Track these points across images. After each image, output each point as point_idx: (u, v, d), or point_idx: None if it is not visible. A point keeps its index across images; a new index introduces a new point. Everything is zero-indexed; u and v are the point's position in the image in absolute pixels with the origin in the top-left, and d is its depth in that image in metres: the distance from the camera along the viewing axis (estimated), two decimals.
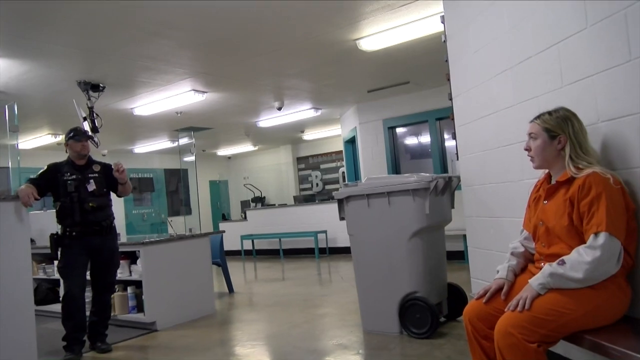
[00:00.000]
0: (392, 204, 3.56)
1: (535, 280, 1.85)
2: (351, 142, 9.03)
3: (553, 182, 2.02)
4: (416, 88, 7.15)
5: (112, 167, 3.92)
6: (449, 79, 3.39)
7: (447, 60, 3.41)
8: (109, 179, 3.93)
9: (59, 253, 3.79)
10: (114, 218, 3.96)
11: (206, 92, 6.29)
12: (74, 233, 3.71)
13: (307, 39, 4.69)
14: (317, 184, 12.51)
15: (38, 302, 5.65)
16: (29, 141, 8.46)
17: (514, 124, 2.62)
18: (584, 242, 1.81)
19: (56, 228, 3.86)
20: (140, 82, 5.65)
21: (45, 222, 5.43)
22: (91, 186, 3.79)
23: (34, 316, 3.55)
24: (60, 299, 3.88)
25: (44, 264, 5.59)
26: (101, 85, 5.41)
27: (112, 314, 4.60)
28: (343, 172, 10.40)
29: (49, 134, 8.02)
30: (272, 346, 3.78)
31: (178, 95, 6.29)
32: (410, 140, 8.52)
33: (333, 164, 12.21)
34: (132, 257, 4.66)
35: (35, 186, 3.63)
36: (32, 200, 3.49)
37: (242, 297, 5.90)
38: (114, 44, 4.43)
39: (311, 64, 5.56)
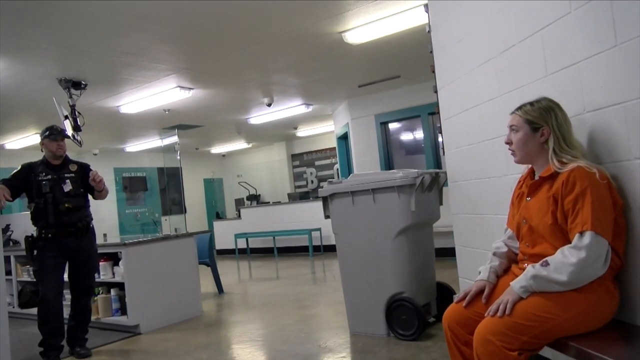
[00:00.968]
0: (377, 202, 3.43)
1: (517, 283, 1.73)
2: (344, 138, 8.90)
3: (537, 177, 1.89)
4: (407, 82, 7.01)
5: (90, 170, 3.78)
6: (433, 71, 3.26)
7: (431, 52, 3.27)
8: (86, 179, 3.80)
9: (34, 256, 3.66)
10: (91, 219, 3.82)
11: (192, 89, 6.15)
12: (49, 235, 3.59)
13: (289, 32, 4.55)
14: (312, 181, 12.38)
15: (22, 305, 5.55)
16: (16, 141, 8.33)
17: (498, 116, 2.49)
18: (570, 242, 1.69)
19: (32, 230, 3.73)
20: (122, 79, 5.52)
21: (29, 223, 5.31)
22: (67, 186, 3.66)
23: (7, 321, 3.41)
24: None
25: (28, 266, 5.46)
26: (83, 82, 5.27)
27: (95, 317, 4.50)
28: (338, 169, 10.28)
29: (36, 133, 7.86)
30: (254, 350, 3.65)
31: (164, 93, 6.16)
32: (406, 136, 8.39)
33: (328, 161, 12.08)
34: (115, 259, 4.53)
35: (8, 187, 3.51)
36: (3, 202, 3.36)
37: (231, 298, 5.78)
38: (90, 39, 4.29)
39: (296, 58, 5.42)
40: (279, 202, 10.87)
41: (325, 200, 3.74)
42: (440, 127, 3.28)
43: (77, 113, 5.22)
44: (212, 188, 13.80)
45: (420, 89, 7.02)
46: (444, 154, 3.30)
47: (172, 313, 4.61)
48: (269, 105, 7.38)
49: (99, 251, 4.32)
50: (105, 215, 10.28)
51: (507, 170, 2.49)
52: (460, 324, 1.90)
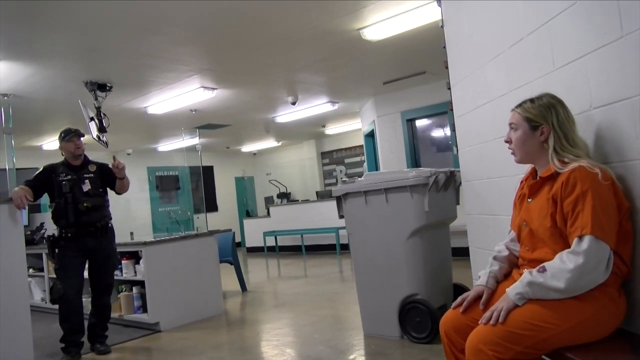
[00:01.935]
0: (390, 202, 3.36)
1: (513, 290, 1.64)
2: (371, 136, 8.80)
3: (538, 178, 1.79)
4: (434, 78, 6.85)
5: (110, 165, 3.86)
6: (447, 67, 3.16)
7: (444, 47, 3.17)
8: (106, 178, 3.88)
9: (55, 254, 3.77)
10: (110, 218, 3.90)
11: (216, 89, 6.20)
12: (69, 234, 3.68)
13: (307, 30, 4.51)
14: (342, 179, 12.32)
15: (53, 301, 5.74)
16: (52, 142, 8.62)
17: (508, 113, 2.37)
18: (569, 247, 1.59)
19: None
20: (146, 81, 5.62)
21: None
22: (86, 186, 3.75)
23: (29, 317, 3.55)
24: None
25: None
26: (108, 84, 5.39)
27: (118, 314, 4.61)
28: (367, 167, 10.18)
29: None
30: (265, 351, 3.65)
31: (188, 93, 6.24)
32: (437, 133, 8.22)
33: (357, 158, 11.99)
34: (137, 257, 4.62)
35: (30, 187, 3.63)
36: (25, 203, 3.47)
37: (253, 297, 5.80)
38: (111, 42, 4.37)
39: (317, 56, 5.38)
40: (308, 200, 10.87)
41: (339, 200, 3.69)
42: (454, 124, 3.17)
43: (102, 115, 5.34)
44: (243, 186, 13.94)
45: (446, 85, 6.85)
46: (457, 152, 3.19)
47: (193, 311, 4.67)
48: (294, 103, 7.36)
49: (120, 250, 4.42)
50: (137, 214, 10.55)
51: (519, 169, 2.37)
52: (457, 331, 1.82)
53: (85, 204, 3.70)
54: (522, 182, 1.92)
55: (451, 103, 3.18)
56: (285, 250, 10.29)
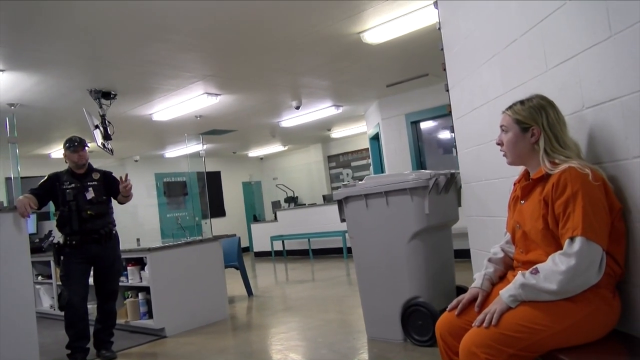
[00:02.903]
0: (391, 204, 3.36)
1: (506, 292, 1.63)
2: (376, 139, 8.80)
3: (530, 179, 1.78)
4: (437, 80, 6.83)
5: (114, 176, 3.91)
6: (444, 69, 3.16)
7: (442, 49, 3.17)
8: (109, 186, 3.92)
9: (60, 261, 3.81)
10: (114, 225, 3.94)
11: (219, 95, 6.24)
12: (73, 242, 3.72)
13: (308, 34, 4.52)
14: (350, 182, 12.30)
15: (61, 308, 5.77)
16: (61, 150, 8.70)
17: None
18: (562, 248, 1.58)
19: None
20: (150, 88, 5.66)
21: None
22: (89, 194, 3.79)
23: (35, 324, 3.58)
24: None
25: None
26: (112, 92, 5.45)
27: (125, 320, 4.64)
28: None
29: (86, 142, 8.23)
30: (269, 355, 3.65)
31: (192, 99, 6.28)
32: (443, 134, 8.19)
33: (364, 161, 11.97)
34: (142, 263, 4.65)
35: (34, 196, 3.67)
36: (29, 211, 3.51)
37: (259, 301, 5.81)
38: (113, 50, 4.42)
39: (319, 60, 5.39)
40: (315, 204, 10.87)
41: (340, 203, 3.70)
42: (452, 126, 3.17)
43: (107, 122, 5.39)
44: (251, 191, 13.97)
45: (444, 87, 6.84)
46: (456, 154, 3.19)
47: (198, 316, 4.69)
48: (298, 108, 7.39)
49: (125, 256, 4.46)
50: (145, 220, 10.62)
51: (515, 170, 2.36)
52: (452, 334, 1.81)
53: (88, 212, 3.74)
54: (515, 184, 1.91)
55: (449, 105, 3.18)
56: (292, 254, 10.30)
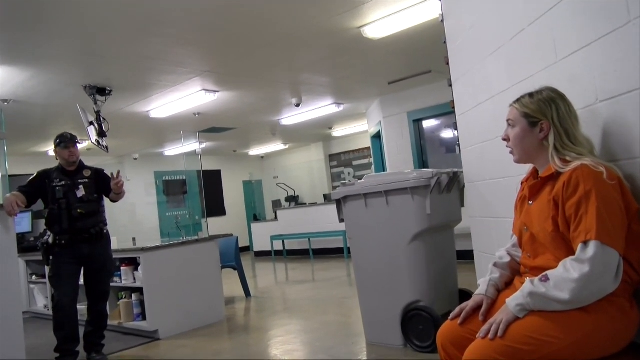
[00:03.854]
0: (391, 204, 3.23)
1: (513, 301, 1.50)
2: (377, 137, 8.66)
3: (538, 178, 1.65)
4: (440, 77, 6.66)
5: (106, 173, 3.79)
6: (447, 63, 3.03)
7: (445, 42, 3.04)
8: (101, 184, 3.80)
9: (49, 262, 3.69)
10: (105, 225, 3.82)
11: (217, 92, 6.12)
12: (63, 241, 3.60)
13: (307, 28, 4.39)
14: (350, 181, 12.17)
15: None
16: None
17: None
18: (574, 253, 1.45)
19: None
20: (146, 84, 5.55)
21: None
22: (80, 192, 3.67)
23: (22, 325, 3.46)
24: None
25: None
26: (107, 88, 5.33)
27: (118, 322, 4.53)
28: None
29: (81, 139, 8.10)
30: (265, 358, 3.53)
31: (190, 96, 6.16)
32: (446, 133, 8.05)
33: (365, 160, 11.84)
34: (136, 263, 4.54)
35: (23, 194, 3.56)
36: (16, 209, 3.40)
37: (257, 302, 5.69)
38: (107, 45, 4.30)
39: (319, 56, 5.26)
40: (315, 203, 10.75)
41: (339, 203, 3.57)
42: (455, 123, 3.04)
43: (102, 119, 5.27)
44: (251, 190, 13.85)
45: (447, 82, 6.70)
46: (459, 152, 3.05)
47: (193, 318, 4.57)
48: (297, 105, 7.26)
49: (118, 256, 4.34)
50: (144, 219, 10.50)
51: (522, 169, 2.23)
52: (455, 344, 1.68)
53: (79, 210, 3.62)
54: (522, 183, 1.78)
55: (453, 101, 3.05)
56: (293, 254, 10.18)
